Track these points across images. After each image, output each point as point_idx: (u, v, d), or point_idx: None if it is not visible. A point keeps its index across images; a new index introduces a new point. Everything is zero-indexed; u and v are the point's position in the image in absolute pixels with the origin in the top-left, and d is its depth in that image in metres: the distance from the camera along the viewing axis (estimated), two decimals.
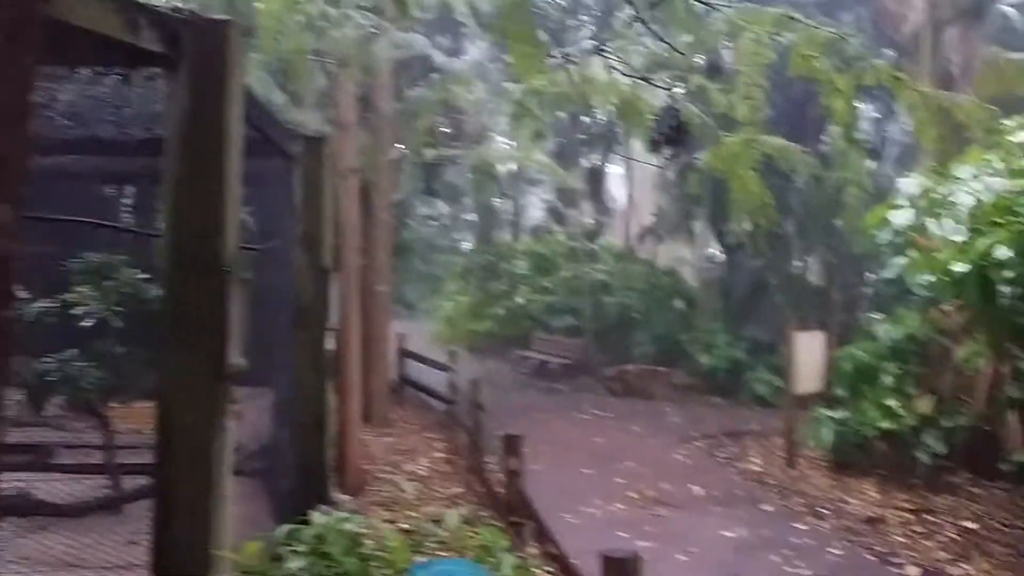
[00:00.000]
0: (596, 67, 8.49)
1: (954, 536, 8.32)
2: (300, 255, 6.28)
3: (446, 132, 13.16)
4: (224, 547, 3.53)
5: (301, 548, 3.74)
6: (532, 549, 6.22)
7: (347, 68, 9.31)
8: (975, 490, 9.64)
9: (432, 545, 4.07)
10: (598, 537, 7.49)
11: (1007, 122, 7.34)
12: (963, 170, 7.47)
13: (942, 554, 7.88)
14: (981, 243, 6.67)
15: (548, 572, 5.46)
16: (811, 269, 20.32)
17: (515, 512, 6.57)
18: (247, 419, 5.34)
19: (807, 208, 16.66)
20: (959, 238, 7.08)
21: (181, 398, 3.66)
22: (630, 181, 24.79)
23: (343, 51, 9.13)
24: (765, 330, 17.53)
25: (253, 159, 4.88)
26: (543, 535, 5.63)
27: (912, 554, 7.94)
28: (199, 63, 3.70)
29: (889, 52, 14.72)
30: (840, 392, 11.07)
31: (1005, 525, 8.54)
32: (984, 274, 6.68)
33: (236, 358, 3.67)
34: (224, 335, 3.59)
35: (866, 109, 18.25)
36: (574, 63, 8.52)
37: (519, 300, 22.55)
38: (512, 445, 6.98)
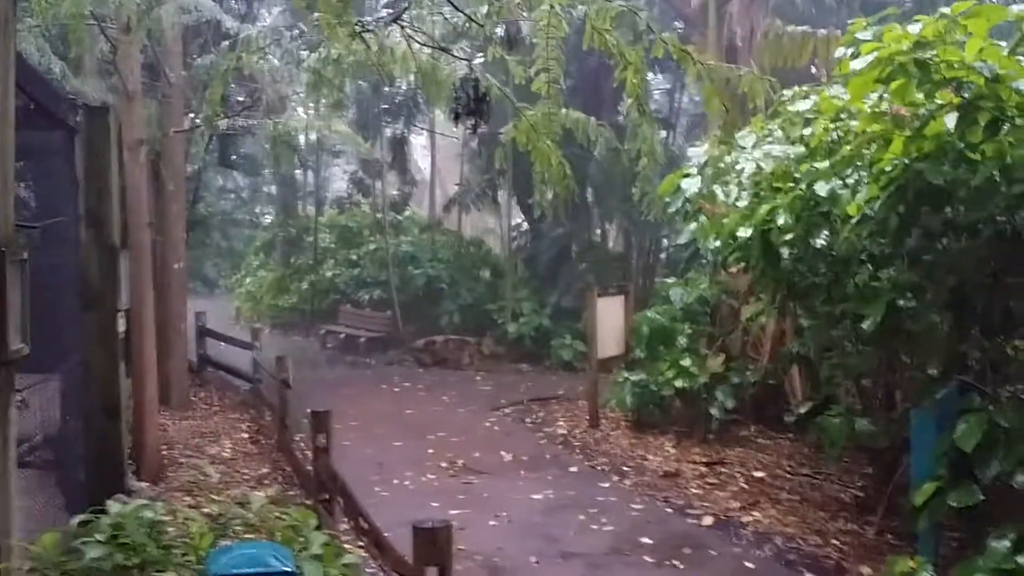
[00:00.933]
0: (395, 36, 8.39)
1: (745, 486, 8.90)
2: (85, 233, 5.92)
3: (241, 101, 12.70)
4: (11, 544, 3.31)
5: (98, 538, 3.54)
6: (344, 525, 6.17)
7: (131, 34, 8.80)
8: (763, 441, 10.34)
9: (239, 528, 3.96)
10: (411, 508, 7.53)
11: (786, 92, 7.78)
12: (746, 139, 7.90)
13: (734, 503, 8.40)
14: (763, 209, 7.09)
15: (360, 547, 5.43)
16: (611, 237, 21.05)
17: (325, 489, 6.49)
18: (33, 408, 5.00)
19: (605, 178, 17.20)
20: (743, 204, 7.50)
21: None
22: (434, 152, 24.80)
23: (126, 15, 8.62)
24: (569, 297, 18.03)
25: (30, 131, 4.54)
26: (354, 510, 5.59)
27: (707, 504, 8.42)
28: None
29: (678, 25, 15.32)
30: (639, 354, 11.55)
31: (790, 473, 9.20)
32: (766, 238, 7.10)
33: (16, 343, 3.42)
34: (1, 319, 3.34)
35: (658, 81, 19.00)
36: (371, 31, 8.39)
37: (325, 274, 22.20)
38: (320, 422, 6.88)
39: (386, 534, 4.99)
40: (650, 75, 15.28)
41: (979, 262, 6.13)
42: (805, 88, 7.83)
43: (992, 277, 6.16)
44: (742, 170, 7.62)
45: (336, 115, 13.98)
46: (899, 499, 6.89)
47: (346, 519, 6.01)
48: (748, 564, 6.91)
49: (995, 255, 6.04)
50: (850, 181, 6.62)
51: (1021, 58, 5.54)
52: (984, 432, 5.51)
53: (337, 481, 6.21)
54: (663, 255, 19.68)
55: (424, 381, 15.73)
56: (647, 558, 7.02)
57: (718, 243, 8.05)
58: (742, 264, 8.44)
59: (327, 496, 6.47)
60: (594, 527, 7.80)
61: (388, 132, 22.52)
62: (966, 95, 5.48)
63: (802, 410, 8.55)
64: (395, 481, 9.18)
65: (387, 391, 14.77)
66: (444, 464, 9.94)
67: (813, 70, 12.58)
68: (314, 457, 6.88)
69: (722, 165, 7.94)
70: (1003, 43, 5.60)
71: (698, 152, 8.64)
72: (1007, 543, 5.02)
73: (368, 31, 7.96)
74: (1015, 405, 5.76)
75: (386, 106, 21.60)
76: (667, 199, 8.79)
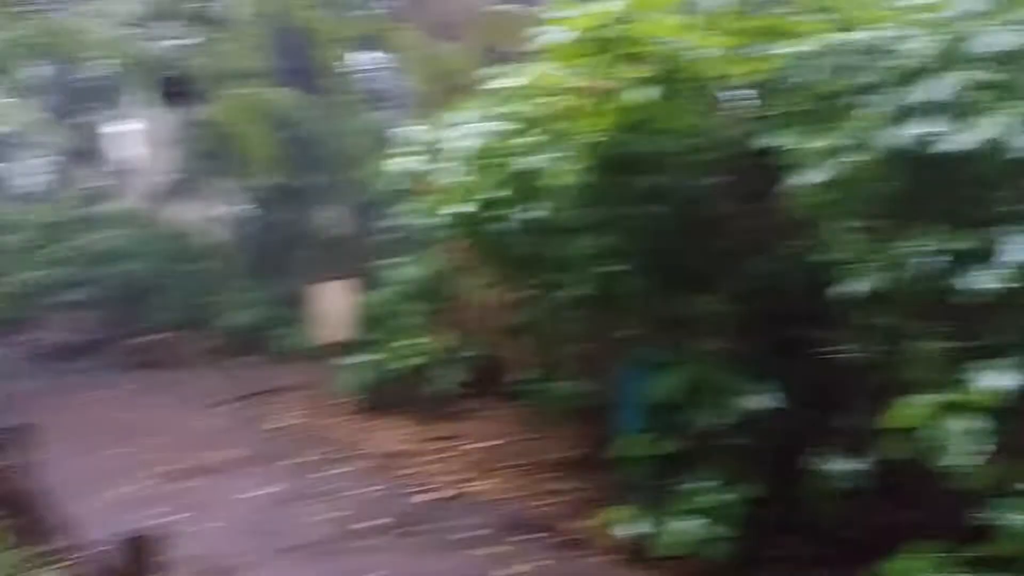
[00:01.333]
0: (87, 16, 7.77)
1: (478, 456, 9.09)
2: None
3: None
4: None
5: None
6: (43, 546, 5.65)
7: None
8: (495, 412, 10.55)
9: None
10: (126, 519, 7.00)
11: (495, 69, 7.94)
12: (456, 116, 7.98)
13: (467, 475, 8.58)
14: (478, 185, 7.21)
15: (61, 567, 4.99)
16: (333, 220, 20.74)
17: (19, 509, 5.92)
18: None
19: (323, 160, 16.87)
20: (458, 181, 7.58)
21: None
22: (142, 138, 23.31)
23: None
24: (293, 284, 17.52)
25: None
26: (52, 529, 5.13)
27: (441, 480, 8.53)
28: None
29: (395, 3, 15.24)
30: (368, 337, 11.46)
31: (521, 440, 9.47)
32: (484, 213, 7.24)
33: None
34: None
35: (368, 59, 18.90)
36: (58, 10, 7.72)
37: (20, 275, 20.31)
38: (16, 437, 6.30)
39: (99, 548, 4.63)
40: (367, 53, 15.14)
41: (673, 226, 6.54)
42: (512, 65, 8.01)
43: (684, 240, 6.59)
44: (454, 147, 7.69)
45: (22, 102, 12.80)
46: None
47: (47, 538, 5.51)
48: (481, 532, 7.07)
49: (686, 219, 6.47)
50: (560, 154, 6.85)
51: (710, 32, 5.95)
52: (680, 384, 5.92)
53: (35, 499, 5.69)
54: (385, 235, 19.62)
55: (139, 383, 14.72)
56: (377, 540, 7.00)
57: (438, 220, 8.10)
58: (464, 240, 8.54)
59: (23, 516, 5.91)
60: (323, 516, 7.65)
61: (87, 119, 20.91)
62: (661, 68, 5.83)
63: (524, 378, 8.82)
64: (108, 491, 8.52)
65: (98, 397, 13.69)
66: (164, 468, 9.36)
67: (517, 47, 12.95)
68: (9, 475, 6.27)
69: (433, 143, 7.98)
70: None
71: (408, 131, 8.64)
72: (707, 483, 5.41)
73: (57, 10, 7.34)
74: (709, 358, 6.21)
75: (84, 90, 20.00)
76: (381, 179, 8.74)
